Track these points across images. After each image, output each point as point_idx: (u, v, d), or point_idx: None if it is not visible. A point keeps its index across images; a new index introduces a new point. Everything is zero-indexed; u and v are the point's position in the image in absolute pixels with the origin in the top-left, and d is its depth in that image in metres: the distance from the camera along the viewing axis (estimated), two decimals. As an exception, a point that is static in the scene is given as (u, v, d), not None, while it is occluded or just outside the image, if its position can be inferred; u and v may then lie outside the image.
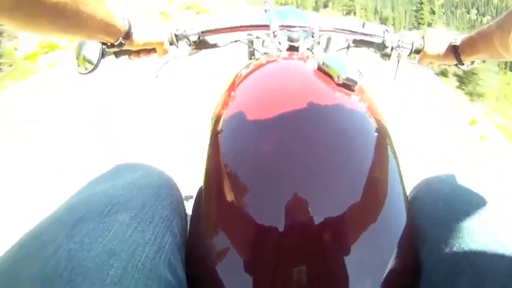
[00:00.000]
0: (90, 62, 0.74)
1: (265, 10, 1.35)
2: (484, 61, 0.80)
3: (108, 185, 0.45)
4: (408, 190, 0.56)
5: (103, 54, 0.73)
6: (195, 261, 0.44)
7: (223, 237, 0.42)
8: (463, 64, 0.75)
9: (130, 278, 0.33)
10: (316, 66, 0.64)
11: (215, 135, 0.54)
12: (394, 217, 0.45)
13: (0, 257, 0.34)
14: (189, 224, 0.50)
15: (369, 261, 0.39)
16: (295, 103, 0.53)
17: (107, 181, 0.47)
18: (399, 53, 0.88)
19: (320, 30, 0.87)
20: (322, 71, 0.62)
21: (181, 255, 0.44)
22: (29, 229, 0.38)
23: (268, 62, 0.71)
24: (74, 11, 0.46)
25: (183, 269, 0.43)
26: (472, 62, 0.75)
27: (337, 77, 0.59)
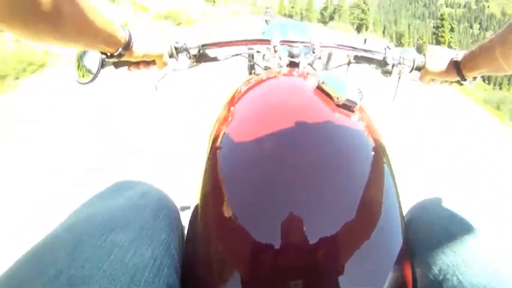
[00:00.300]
0: (89, 71, 0.74)
1: (266, 21, 1.35)
2: (488, 76, 0.80)
3: (108, 205, 0.45)
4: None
5: (103, 65, 0.73)
6: (192, 281, 0.44)
7: (219, 256, 0.42)
8: (465, 80, 0.74)
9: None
10: (316, 85, 0.64)
11: (213, 151, 0.54)
12: (390, 238, 0.45)
13: (1, 279, 0.34)
14: (185, 242, 0.50)
15: (363, 280, 0.39)
16: (294, 123, 0.53)
17: (107, 200, 0.47)
18: (400, 70, 0.87)
19: (321, 46, 0.87)
20: (322, 91, 0.62)
21: (180, 276, 0.44)
22: (29, 248, 0.37)
23: (267, 79, 0.72)
24: (74, 19, 0.46)
25: None
26: (474, 78, 0.74)
27: (337, 98, 0.59)
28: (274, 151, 0.49)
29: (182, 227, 0.53)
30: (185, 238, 0.51)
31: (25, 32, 0.43)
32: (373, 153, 0.53)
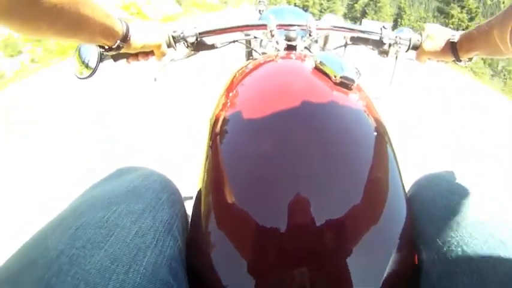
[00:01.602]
0: (88, 66, 0.74)
1: (260, 11, 1.33)
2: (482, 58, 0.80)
3: (110, 189, 0.46)
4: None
5: (101, 58, 0.73)
6: (196, 264, 0.44)
7: (224, 240, 0.42)
8: (460, 61, 0.75)
9: (132, 282, 0.34)
10: (313, 66, 0.64)
11: (214, 136, 0.54)
12: (394, 215, 0.45)
13: (5, 261, 0.35)
14: (189, 226, 0.51)
15: (369, 260, 0.40)
16: (293, 103, 0.53)
17: (109, 185, 0.48)
18: (397, 50, 0.87)
19: (317, 29, 0.87)
20: (320, 70, 0.63)
21: (183, 258, 0.44)
22: (33, 233, 0.38)
23: (265, 62, 0.72)
24: (72, 13, 0.47)
25: (185, 272, 0.43)
26: (470, 59, 0.75)
27: (335, 76, 0.60)
28: (274, 133, 0.49)
29: (185, 210, 0.53)
30: (189, 221, 0.51)
31: (24, 28, 0.43)
32: (374, 131, 0.53)
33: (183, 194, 0.56)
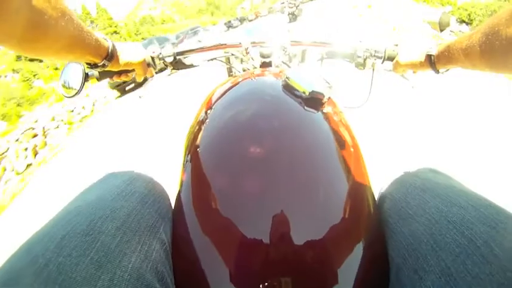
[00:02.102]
0: (73, 86, 0.78)
1: (228, 27, 1.34)
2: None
3: (96, 196, 0.47)
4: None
5: (86, 78, 0.77)
6: (182, 266, 0.46)
7: (206, 244, 0.44)
8: (438, 72, 0.73)
9: (125, 269, 0.36)
10: (284, 82, 0.66)
11: (190, 149, 0.58)
12: (364, 218, 0.48)
13: None
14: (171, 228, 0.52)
15: (341, 261, 0.42)
16: (263, 121, 0.56)
17: (96, 191, 0.49)
18: (373, 62, 0.89)
19: (292, 45, 0.90)
20: (289, 87, 0.64)
21: (170, 260, 0.46)
22: (22, 243, 0.39)
23: (238, 82, 0.74)
24: (66, 35, 0.51)
25: (171, 275, 0.44)
26: (448, 69, 0.73)
27: (304, 92, 0.62)
28: (245, 147, 0.52)
29: (172, 212, 0.54)
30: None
31: (26, 50, 0.47)
32: (339, 142, 0.55)
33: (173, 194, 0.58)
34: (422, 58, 0.73)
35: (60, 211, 0.45)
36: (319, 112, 0.61)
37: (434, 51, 0.70)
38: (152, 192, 0.52)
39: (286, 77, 0.66)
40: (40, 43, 0.48)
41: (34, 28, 0.44)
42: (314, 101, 0.62)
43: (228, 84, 0.74)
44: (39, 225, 0.41)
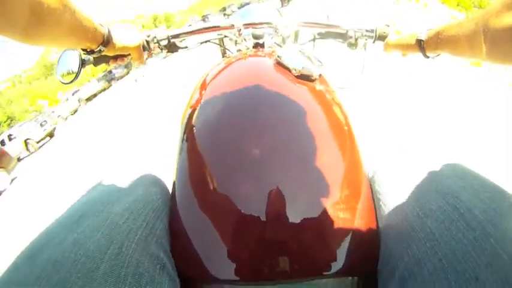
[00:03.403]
0: (71, 71, 0.79)
1: (225, 15, 1.34)
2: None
3: (106, 189, 0.52)
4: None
5: (83, 64, 0.78)
6: (181, 245, 0.49)
7: (201, 224, 0.47)
8: (428, 57, 0.73)
9: (125, 255, 0.40)
10: (276, 62, 0.68)
11: (185, 130, 0.60)
12: (354, 193, 0.49)
13: (26, 245, 0.42)
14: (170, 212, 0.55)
15: (335, 235, 0.44)
16: (256, 98, 0.58)
17: (105, 187, 0.54)
18: (365, 42, 0.90)
19: (284, 26, 0.92)
20: (281, 65, 0.66)
21: (171, 240, 0.50)
22: (43, 227, 0.45)
23: (231, 62, 0.76)
24: (65, 22, 0.53)
25: (171, 253, 0.48)
26: (438, 54, 0.73)
27: (294, 70, 0.64)
28: (238, 126, 0.54)
29: (171, 194, 0.58)
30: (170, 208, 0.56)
31: (26, 38, 0.49)
32: (332, 119, 0.57)
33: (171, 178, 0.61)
34: (412, 41, 0.74)
35: (74, 204, 0.50)
36: (310, 88, 0.63)
37: (424, 36, 0.70)
38: (155, 184, 0.57)
39: (278, 56, 0.68)
40: (41, 31, 0.49)
41: (36, 17, 0.46)
42: (304, 77, 0.64)
43: (221, 66, 0.76)
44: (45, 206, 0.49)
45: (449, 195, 0.42)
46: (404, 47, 0.78)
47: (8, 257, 0.41)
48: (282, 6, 14.63)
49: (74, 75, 0.79)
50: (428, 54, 0.72)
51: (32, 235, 0.44)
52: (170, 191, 0.58)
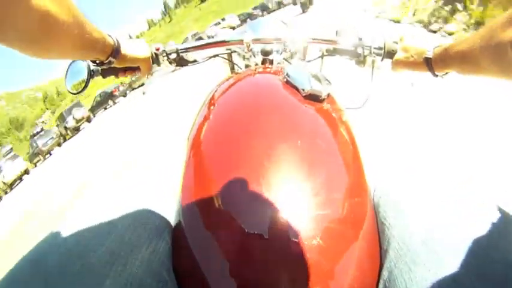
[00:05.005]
0: (79, 82, 0.80)
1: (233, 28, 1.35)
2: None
3: (108, 205, 0.52)
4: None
5: (91, 75, 0.79)
6: (183, 265, 0.48)
7: (205, 243, 0.46)
8: (436, 76, 0.72)
9: (129, 272, 0.40)
10: (284, 80, 0.67)
11: (193, 147, 0.59)
12: (359, 213, 0.49)
13: (29, 252, 0.43)
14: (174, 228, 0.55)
15: (336, 255, 0.43)
16: (263, 119, 0.57)
17: (107, 202, 0.54)
18: (373, 60, 0.90)
19: (292, 42, 0.92)
20: (290, 85, 0.66)
21: (172, 258, 0.49)
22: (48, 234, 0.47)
23: (239, 78, 0.76)
24: (76, 34, 0.53)
25: (173, 272, 0.48)
26: (446, 73, 0.72)
27: (303, 90, 0.63)
28: (245, 145, 0.53)
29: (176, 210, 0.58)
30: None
31: (37, 52, 0.49)
32: (337, 139, 0.57)
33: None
34: (420, 59, 0.73)
35: (77, 212, 0.51)
36: (318, 108, 0.62)
37: (431, 54, 0.70)
38: (158, 201, 0.57)
39: (286, 74, 0.68)
40: (50, 44, 0.49)
41: (45, 29, 0.46)
42: (312, 97, 0.63)
43: (228, 82, 0.76)
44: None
45: (455, 221, 0.41)
46: (412, 65, 0.78)
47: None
48: (303, 12, 15.03)
49: (83, 85, 0.80)
50: (436, 72, 0.71)
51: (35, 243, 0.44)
52: (174, 208, 0.57)
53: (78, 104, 24.30)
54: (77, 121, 21.57)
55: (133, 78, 23.51)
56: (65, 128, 21.87)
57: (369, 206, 0.52)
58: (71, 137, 20.93)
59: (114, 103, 23.71)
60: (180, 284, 0.47)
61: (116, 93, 23.95)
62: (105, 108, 24.20)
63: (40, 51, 0.49)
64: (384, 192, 0.56)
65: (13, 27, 0.41)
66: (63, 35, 0.50)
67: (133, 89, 24.92)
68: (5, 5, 0.38)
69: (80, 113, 22.25)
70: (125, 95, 24.20)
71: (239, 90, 0.71)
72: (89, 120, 22.88)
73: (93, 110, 25.49)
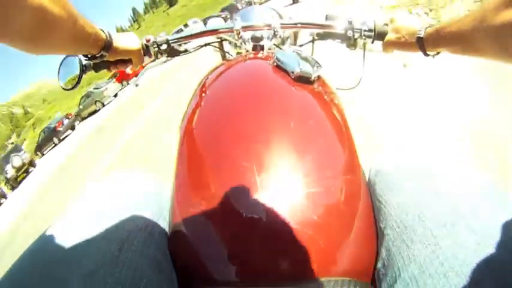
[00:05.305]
0: (72, 78, 0.81)
1: (224, 17, 1.33)
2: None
3: (103, 192, 0.53)
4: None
5: (84, 70, 0.79)
6: (180, 249, 0.49)
7: (200, 226, 0.47)
8: (428, 55, 0.73)
9: (125, 257, 0.41)
10: (274, 64, 0.69)
11: (185, 134, 0.60)
12: (354, 193, 0.49)
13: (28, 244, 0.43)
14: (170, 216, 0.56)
15: (333, 235, 0.44)
16: (253, 101, 0.58)
17: (101, 189, 0.55)
18: (364, 42, 0.90)
19: (282, 28, 0.91)
20: (279, 68, 0.67)
21: (168, 240, 0.51)
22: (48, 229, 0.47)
23: (230, 65, 0.77)
24: (71, 29, 0.53)
25: (169, 256, 0.49)
26: (438, 53, 0.72)
27: (292, 72, 0.64)
28: (238, 128, 0.54)
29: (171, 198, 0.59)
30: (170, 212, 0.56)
31: (33, 48, 0.50)
32: (328, 118, 0.58)
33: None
34: (412, 39, 0.74)
35: (70, 204, 0.52)
36: (308, 90, 0.63)
37: (422, 34, 0.70)
38: (153, 188, 0.58)
39: (276, 59, 0.69)
40: (44, 39, 0.50)
41: (40, 25, 0.46)
42: (302, 79, 0.64)
43: (219, 69, 0.76)
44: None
45: (451, 198, 0.42)
46: (404, 46, 0.78)
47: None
48: (294, 2, 14.72)
49: (75, 81, 0.80)
50: (428, 52, 0.71)
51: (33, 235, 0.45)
52: (169, 194, 0.58)
53: (16, 149, 20.14)
54: (17, 170, 17.37)
55: (80, 107, 20.90)
56: (6, 179, 17.65)
57: (363, 185, 0.53)
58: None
59: (60, 140, 19.26)
60: (176, 267, 0.47)
61: (60, 128, 19.62)
62: (54, 145, 19.55)
63: (36, 47, 0.50)
64: (379, 171, 0.57)
65: (10, 24, 0.41)
66: (58, 29, 0.50)
67: (83, 119, 20.94)
68: (3, 2, 0.38)
69: (19, 160, 17.77)
70: (73, 128, 19.95)
71: (229, 76, 0.72)
72: (32, 164, 18.23)
73: (40, 148, 20.95)
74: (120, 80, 20.99)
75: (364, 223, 0.48)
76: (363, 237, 0.47)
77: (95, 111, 19.70)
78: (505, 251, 0.33)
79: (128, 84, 21.07)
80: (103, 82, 22.14)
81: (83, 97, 21.91)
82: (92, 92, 20.53)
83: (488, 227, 0.36)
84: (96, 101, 19.85)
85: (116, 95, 20.17)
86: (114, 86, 20.57)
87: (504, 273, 0.32)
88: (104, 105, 19.55)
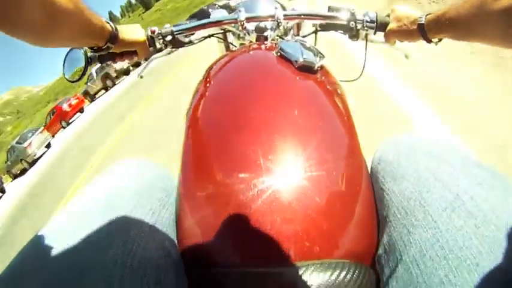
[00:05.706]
0: (77, 70, 0.82)
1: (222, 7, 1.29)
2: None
3: (110, 179, 0.53)
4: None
5: (89, 61, 0.80)
6: (187, 235, 0.50)
7: (207, 213, 0.48)
8: (430, 41, 0.73)
9: (132, 242, 0.41)
10: (277, 54, 0.69)
11: (191, 124, 0.61)
12: (355, 181, 0.50)
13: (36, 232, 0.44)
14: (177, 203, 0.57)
15: (335, 222, 0.45)
16: (257, 90, 0.59)
17: (109, 177, 0.55)
18: (366, 33, 0.91)
19: (285, 19, 0.92)
20: (283, 58, 0.68)
21: (175, 225, 0.52)
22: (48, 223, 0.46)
23: (234, 56, 0.77)
24: (77, 21, 0.54)
25: (177, 240, 0.50)
26: (440, 39, 0.73)
27: (295, 61, 0.64)
28: (242, 117, 0.55)
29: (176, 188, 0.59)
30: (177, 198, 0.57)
31: (40, 40, 0.50)
32: (331, 107, 0.58)
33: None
34: (413, 27, 0.74)
35: (78, 195, 0.51)
36: (311, 79, 0.64)
37: (423, 20, 0.70)
38: (159, 176, 0.58)
39: (279, 49, 0.69)
40: (54, 32, 0.50)
41: (49, 18, 0.47)
42: (305, 68, 0.65)
43: (223, 60, 0.77)
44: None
45: (451, 182, 0.42)
46: (406, 34, 0.78)
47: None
48: None
49: (81, 73, 0.81)
50: (430, 38, 0.71)
51: (40, 223, 0.42)
52: (176, 181, 0.59)
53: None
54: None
55: (8, 163, 16.94)
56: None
57: (365, 172, 0.54)
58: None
59: (29, 164, 15.38)
60: (183, 254, 0.48)
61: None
62: (24, 171, 15.52)
63: (45, 41, 0.51)
64: (382, 159, 0.57)
65: (23, 19, 0.42)
66: (67, 22, 0.51)
67: (15, 176, 16.47)
68: None
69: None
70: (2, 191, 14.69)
71: (234, 66, 0.73)
72: (2, 190, 14.61)
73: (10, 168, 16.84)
74: (53, 125, 17.57)
75: (365, 209, 0.49)
76: (365, 223, 0.48)
77: (25, 170, 15.55)
78: (503, 234, 0.34)
79: (68, 124, 17.77)
80: (31, 130, 17.22)
81: (9, 150, 17.57)
82: (15, 148, 16.26)
83: (487, 211, 0.37)
84: (21, 159, 15.62)
85: (48, 146, 16.07)
86: (41, 137, 16.10)
87: (504, 256, 0.33)
88: (30, 165, 15.20)
